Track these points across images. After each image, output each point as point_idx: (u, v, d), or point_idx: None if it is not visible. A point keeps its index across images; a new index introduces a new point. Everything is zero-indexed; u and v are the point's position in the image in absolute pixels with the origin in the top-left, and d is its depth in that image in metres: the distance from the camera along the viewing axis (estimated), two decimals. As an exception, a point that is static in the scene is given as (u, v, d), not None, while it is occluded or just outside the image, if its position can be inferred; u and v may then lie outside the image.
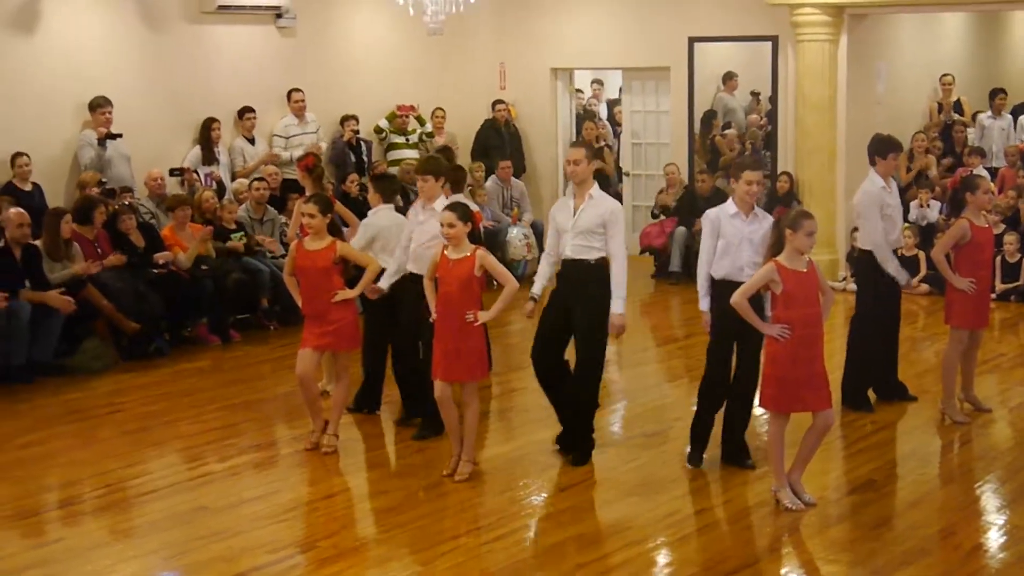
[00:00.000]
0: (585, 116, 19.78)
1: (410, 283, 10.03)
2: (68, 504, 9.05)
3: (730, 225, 9.12)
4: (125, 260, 13.06)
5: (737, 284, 8.75)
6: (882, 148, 10.71)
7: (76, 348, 12.47)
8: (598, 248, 9.28)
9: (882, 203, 10.58)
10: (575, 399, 9.56)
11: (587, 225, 9.25)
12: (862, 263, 11.00)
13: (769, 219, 9.15)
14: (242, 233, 14.30)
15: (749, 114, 18.16)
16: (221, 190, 15.09)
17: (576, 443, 9.62)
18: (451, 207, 9.13)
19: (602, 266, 9.33)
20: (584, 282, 9.30)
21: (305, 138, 16.05)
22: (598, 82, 21.55)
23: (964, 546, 8.01)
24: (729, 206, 9.21)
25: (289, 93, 16.14)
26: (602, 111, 21.55)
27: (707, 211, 9.43)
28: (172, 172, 14.69)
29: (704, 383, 9.47)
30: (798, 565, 7.91)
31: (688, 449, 9.53)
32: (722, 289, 9.01)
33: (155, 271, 13.25)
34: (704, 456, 9.46)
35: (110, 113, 14.10)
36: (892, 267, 10.62)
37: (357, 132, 16.72)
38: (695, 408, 9.53)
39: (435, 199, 10.06)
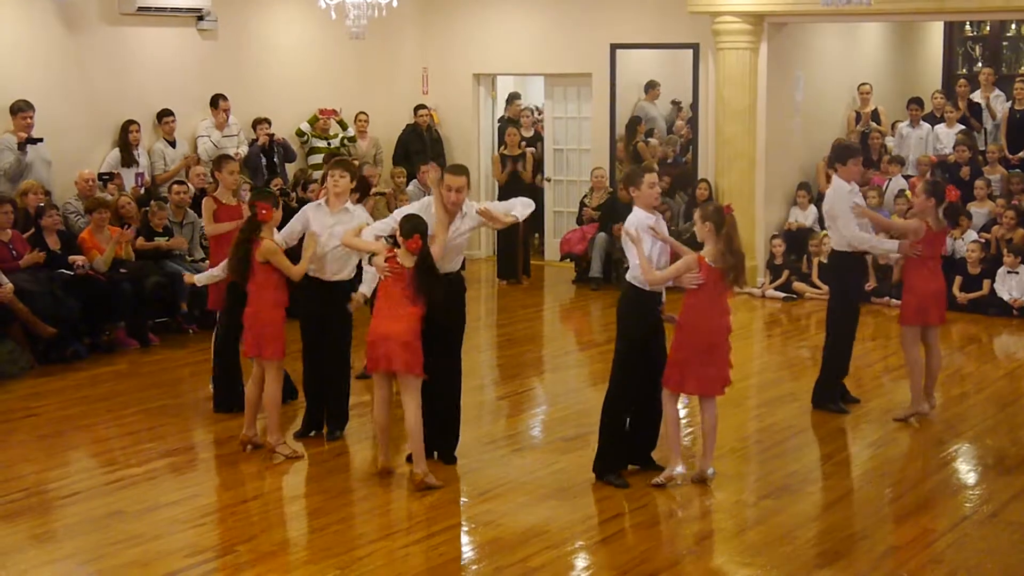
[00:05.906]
0: (509, 123, 19.76)
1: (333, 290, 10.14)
2: (-19, 509, 8.94)
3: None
4: (44, 256, 12.95)
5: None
6: (842, 155, 11.11)
7: (-9, 352, 12.34)
8: (460, 257, 9.54)
9: (851, 203, 10.78)
10: (452, 406, 9.64)
11: (463, 240, 9.41)
12: (833, 265, 11.30)
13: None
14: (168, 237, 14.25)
15: (672, 123, 18.26)
16: (151, 193, 14.98)
17: (451, 443, 9.71)
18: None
19: (461, 272, 9.63)
20: (456, 292, 9.45)
21: (227, 141, 15.94)
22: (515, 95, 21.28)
23: (878, 548, 8.12)
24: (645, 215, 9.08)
25: (216, 100, 16.00)
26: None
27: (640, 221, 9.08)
28: (100, 176, 14.55)
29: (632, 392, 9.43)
30: (714, 568, 7.95)
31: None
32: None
33: (70, 272, 13.10)
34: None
35: (31, 118, 13.86)
36: (873, 245, 10.86)
37: (272, 136, 16.54)
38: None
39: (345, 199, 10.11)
